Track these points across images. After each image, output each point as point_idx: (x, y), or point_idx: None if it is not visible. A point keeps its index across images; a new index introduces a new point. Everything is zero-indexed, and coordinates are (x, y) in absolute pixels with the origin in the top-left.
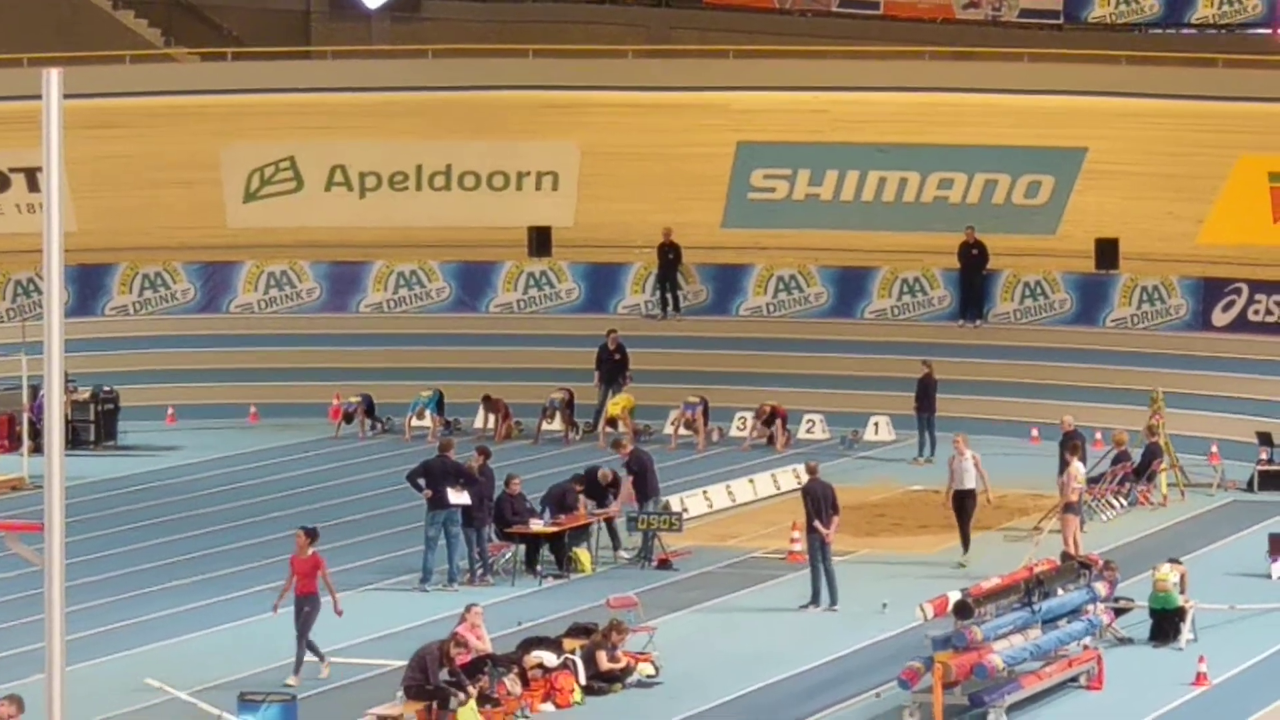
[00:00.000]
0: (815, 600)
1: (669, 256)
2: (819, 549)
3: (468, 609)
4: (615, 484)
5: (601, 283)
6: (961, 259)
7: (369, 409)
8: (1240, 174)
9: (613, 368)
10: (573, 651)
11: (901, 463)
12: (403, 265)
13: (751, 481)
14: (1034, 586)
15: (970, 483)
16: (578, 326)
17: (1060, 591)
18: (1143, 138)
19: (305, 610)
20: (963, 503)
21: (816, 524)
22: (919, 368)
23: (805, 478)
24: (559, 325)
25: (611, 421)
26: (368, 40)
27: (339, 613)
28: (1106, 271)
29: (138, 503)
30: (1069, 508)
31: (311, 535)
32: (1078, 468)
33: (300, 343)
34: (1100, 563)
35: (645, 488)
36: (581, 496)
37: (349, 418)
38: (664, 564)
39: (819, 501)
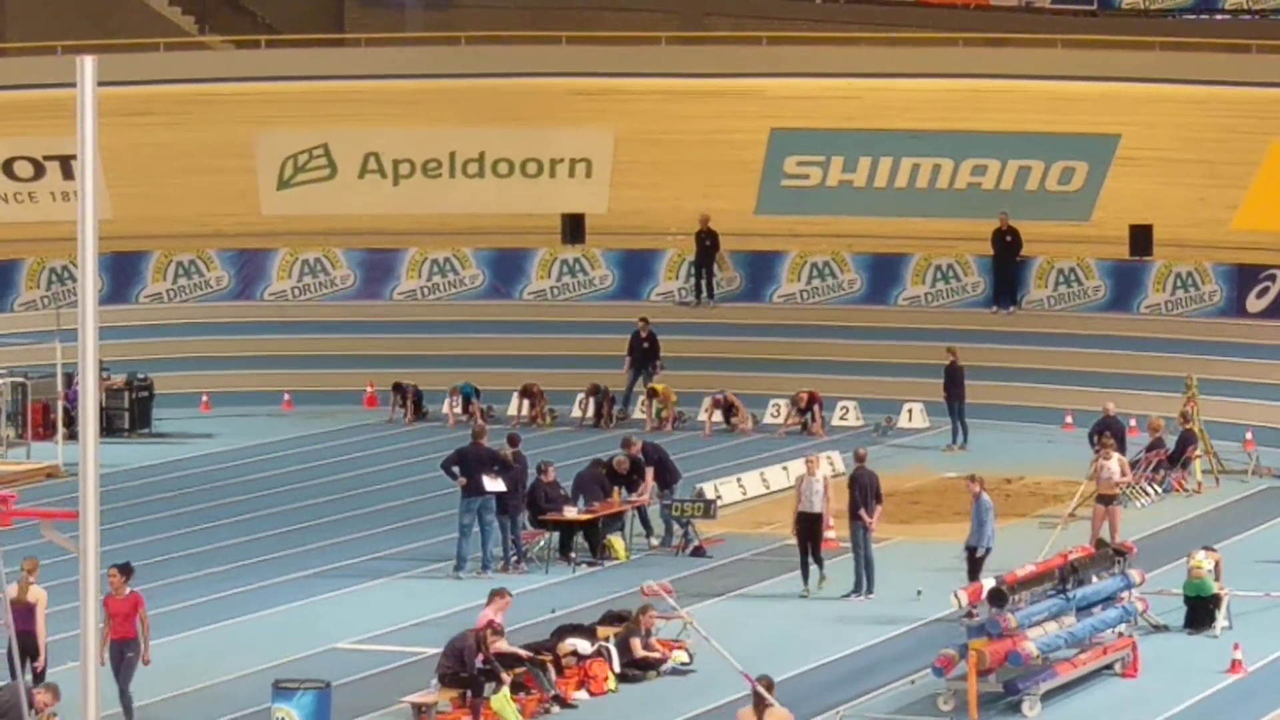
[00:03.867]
0: (858, 589)
1: (706, 243)
2: (862, 537)
3: (498, 594)
4: (635, 470)
5: (635, 270)
6: (995, 245)
7: (417, 401)
8: (1274, 160)
9: (643, 355)
10: (607, 639)
11: (935, 450)
12: (436, 253)
13: (785, 468)
14: (1068, 574)
15: (819, 506)
16: (611, 313)
17: (1095, 579)
18: (1176, 124)
19: (127, 656)
20: (811, 528)
21: (861, 512)
22: (946, 355)
23: (841, 465)
24: (592, 312)
25: (652, 394)
26: (401, 27)
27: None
28: (1140, 258)
29: (172, 490)
30: (1115, 499)
31: (126, 572)
32: (1124, 461)
33: (334, 330)
34: (1134, 549)
35: (667, 476)
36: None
37: (405, 400)
38: (698, 551)
39: (864, 490)
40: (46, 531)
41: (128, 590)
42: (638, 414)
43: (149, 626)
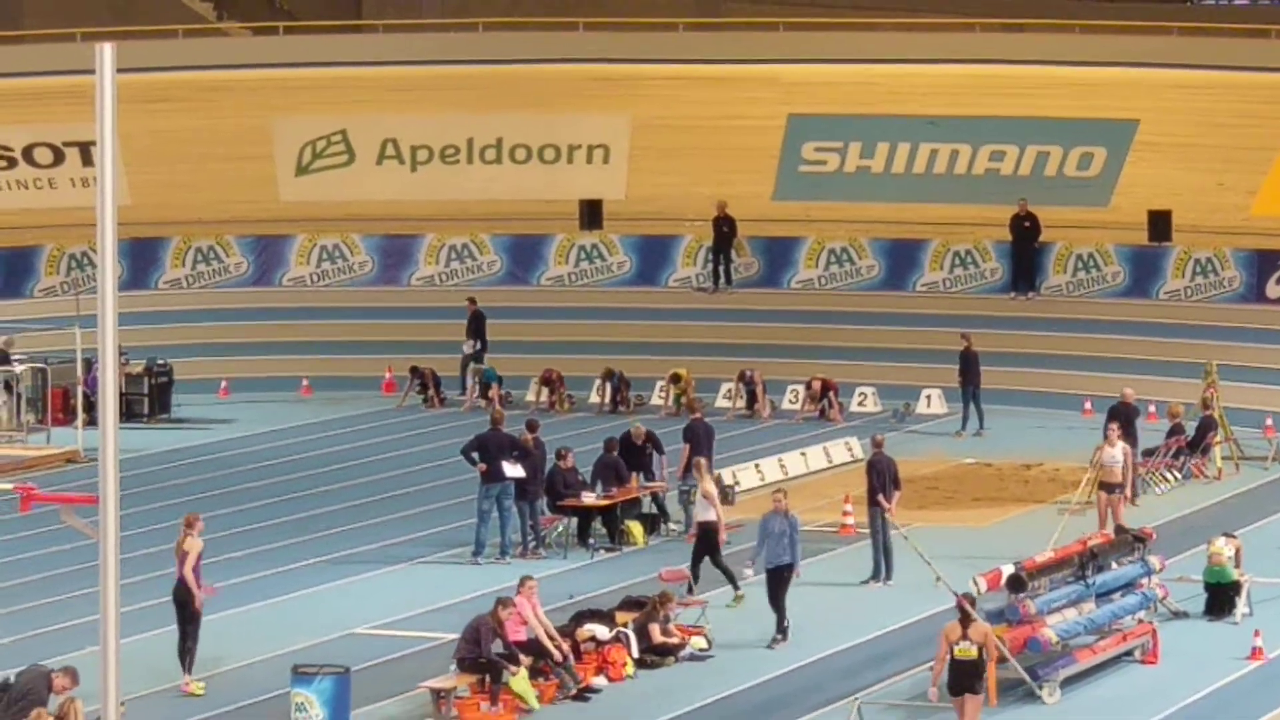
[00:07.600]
0: (876, 575)
1: (724, 230)
2: (880, 523)
3: (523, 581)
4: (650, 440)
5: (652, 255)
6: (1013, 231)
7: (437, 385)
8: None
9: (471, 333)
10: (625, 625)
11: (953, 436)
12: (454, 238)
13: (804, 454)
14: (1088, 560)
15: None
16: (629, 299)
17: (1114, 565)
18: (1195, 109)
19: None
20: (705, 536)
21: (880, 498)
22: (961, 341)
23: (859, 451)
24: (610, 298)
25: (675, 378)
26: (419, 14)
27: None
28: (1159, 244)
29: (191, 475)
30: (1117, 488)
31: None
32: (1129, 450)
33: (352, 316)
34: (1153, 535)
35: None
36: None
37: (424, 385)
38: None
39: (882, 475)
40: (66, 517)
41: None
42: (655, 399)
43: None
